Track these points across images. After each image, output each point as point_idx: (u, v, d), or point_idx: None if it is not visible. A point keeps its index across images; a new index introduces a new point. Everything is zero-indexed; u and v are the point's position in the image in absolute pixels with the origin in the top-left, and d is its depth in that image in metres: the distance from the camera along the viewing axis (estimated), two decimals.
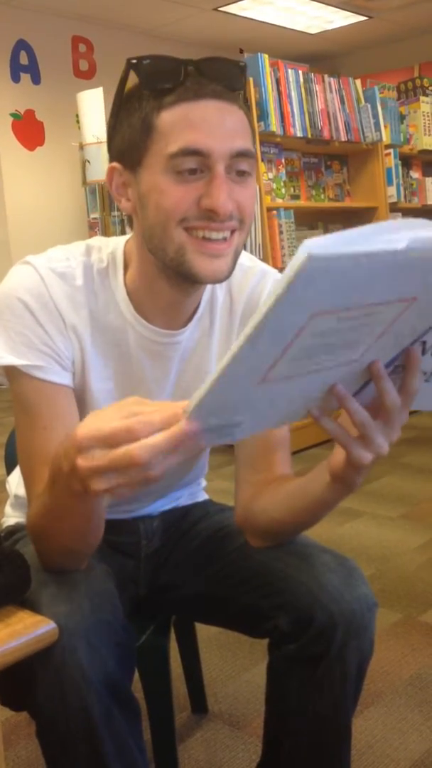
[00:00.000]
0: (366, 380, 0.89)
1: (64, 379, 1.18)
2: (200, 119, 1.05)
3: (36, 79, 7.25)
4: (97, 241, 1.26)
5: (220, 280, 1.13)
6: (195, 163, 1.05)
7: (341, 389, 0.86)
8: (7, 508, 1.51)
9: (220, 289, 1.29)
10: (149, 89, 1.06)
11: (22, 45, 7.10)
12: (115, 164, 1.14)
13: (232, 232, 1.11)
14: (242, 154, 1.07)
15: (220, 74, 1.08)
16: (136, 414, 0.80)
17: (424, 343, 0.88)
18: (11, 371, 1.16)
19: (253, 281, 1.30)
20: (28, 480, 1.18)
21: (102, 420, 0.82)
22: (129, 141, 1.09)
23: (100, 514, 1.07)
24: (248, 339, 0.69)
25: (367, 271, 0.67)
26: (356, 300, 0.71)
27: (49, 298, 1.16)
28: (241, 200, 1.09)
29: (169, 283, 1.16)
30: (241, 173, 1.09)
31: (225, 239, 1.10)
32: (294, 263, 0.63)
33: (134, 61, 1.06)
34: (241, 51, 7.65)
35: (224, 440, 0.84)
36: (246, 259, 1.28)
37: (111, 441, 0.80)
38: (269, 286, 1.29)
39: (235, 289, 1.30)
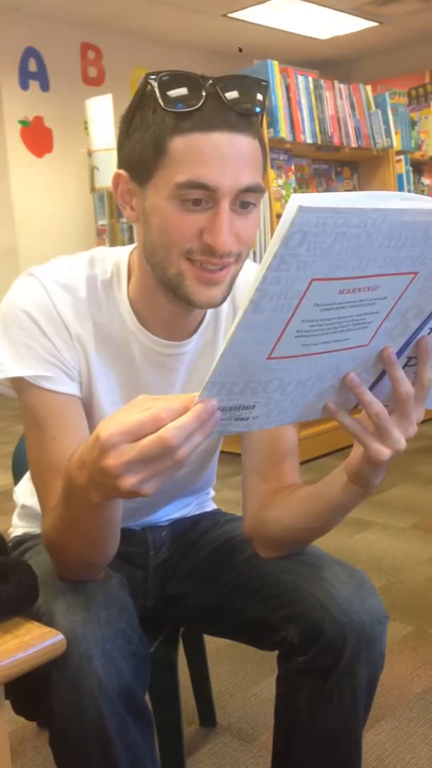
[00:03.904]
0: (379, 373, 0.91)
1: (72, 389, 1.17)
2: (211, 152, 1.04)
3: (45, 87, 7.25)
4: (101, 251, 1.26)
5: (213, 306, 1.15)
6: (201, 195, 1.05)
7: (354, 378, 0.89)
8: (15, 519, 1.50)
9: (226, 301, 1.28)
10: (167, 107, 1.04)
11: (30, 52, 7.11)
12: (122, 172, 1.14)
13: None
14: (249, 190, 1.07)
15: (241, 96, 1.06)
16: (151, 407, 0.82)
17: None
18: (19, 383, 1.16)
19: None
20: (41, 492, 1.17)
21: (122, 418, 0.83)
22: (139, 155, 1.09)
23: (117, 525, 1.07)
24: (252, 302, 0.71)
25: (361, 231, 0.69)
26: (355, 268, 0.73)
27: (53, 310, 1.16)
28: (241, 232, 1.09)
29: (167, 298, 1.17)
30: (246, 204, 1.08)
31: (222, 268, 1.10)
32: (285, 216, 0.66)
33: (153, 76, 1.05)
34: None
35: (240, 428, 0.86)
36: (251, 268, 1.27)
37: (138, 432, 0.82)
38: None
39: (239, 299, 1.29)
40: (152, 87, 1.05)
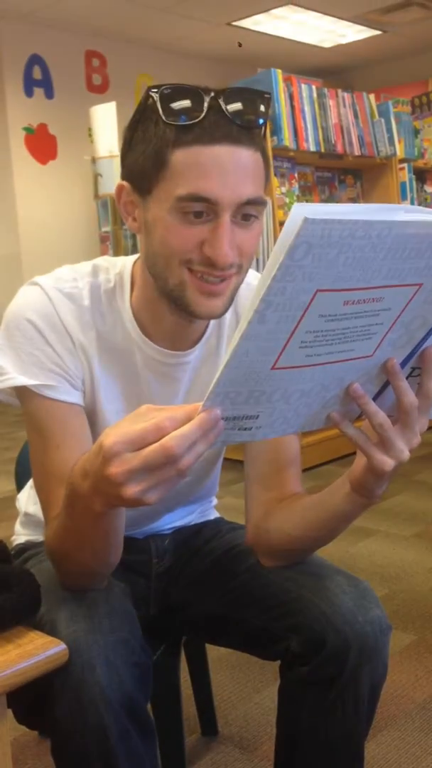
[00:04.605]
0: (382, 384, 0.91)
1: (75, 398, 1.18)
2: (212, 165, 1.04)
3: (49, 94, 7.27)
4: (105, 261, 1.27)
5: (214, 317, 1.15)
6: (202, 208, 1.05)
7: (358, 388, 0.89)
8: (17, 526, 1.50)
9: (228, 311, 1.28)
10: (168, 120, 1.04)
11: (35, 59, 7.13)
12: (124, 183, 1.14)
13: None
14: (250, 203, 1.07)
15: (243, 108, 1.06)
16: (155, 416, 0.82)
17: None
18: (23, 392, 1.16)
19: None
20: (44, 500, 1.17)
21: (125, 427, 0.83)
22: (141, 168, 1.09)
23: (120, 534, 1.07)
24: (256, 312, 0.71)
25: (366, 243, 0.69)
26: (359, 280, 0.73)
27: (57, 319, 1.16)
28: (242, 244, 1.09)
29: (169, 309, 1.17)
30: (247, 217, 1.08)
31: (223, 280, 1.10)
32: (290, 227, 0.65)
33: (155, 89, 1.05)
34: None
35: (243, 438, 0.86)
36: (254, 277, 1.27)
37: (141, 441, 0.82)
38: None
39: (242, 309, 1.29)
40: (153, 100, 1.05)
